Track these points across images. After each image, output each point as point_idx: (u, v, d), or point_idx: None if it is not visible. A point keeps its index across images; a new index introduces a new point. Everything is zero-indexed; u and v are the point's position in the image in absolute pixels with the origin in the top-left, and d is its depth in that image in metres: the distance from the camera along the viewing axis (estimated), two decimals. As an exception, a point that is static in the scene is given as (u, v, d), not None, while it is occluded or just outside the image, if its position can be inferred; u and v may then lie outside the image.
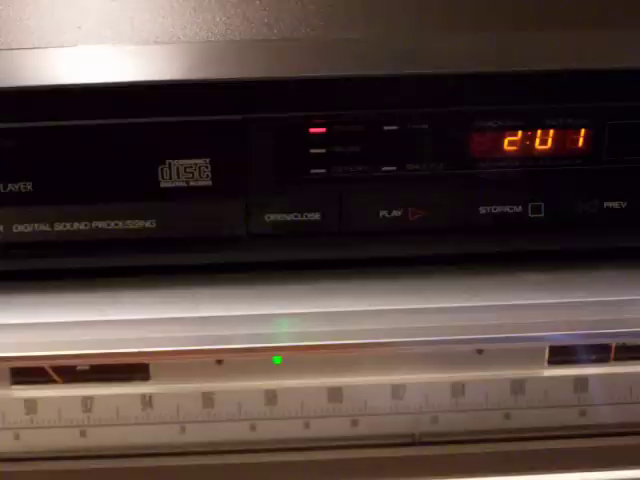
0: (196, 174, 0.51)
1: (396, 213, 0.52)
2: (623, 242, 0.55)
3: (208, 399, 0.53)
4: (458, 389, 0.53)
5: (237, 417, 0.53)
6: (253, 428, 0.53)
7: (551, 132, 0.51)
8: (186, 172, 0.51)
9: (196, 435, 0.53)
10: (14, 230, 0.51)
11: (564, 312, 0.53)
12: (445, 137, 0.51)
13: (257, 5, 0.59)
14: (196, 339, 0.51)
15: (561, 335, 0.52)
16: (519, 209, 0.53)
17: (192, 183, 0.51)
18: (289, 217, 0.52)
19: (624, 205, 0.53)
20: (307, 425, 0.53)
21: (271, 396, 0.53)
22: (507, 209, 0.53)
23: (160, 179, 0.51)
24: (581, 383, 0.53)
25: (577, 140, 0.52)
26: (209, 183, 0.51)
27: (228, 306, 0.52)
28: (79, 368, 0.52)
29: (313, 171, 0.51)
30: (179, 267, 0.54)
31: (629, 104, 0.52)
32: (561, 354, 0.52)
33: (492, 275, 0.55)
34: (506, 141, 0.51)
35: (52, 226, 0.51)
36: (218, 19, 0.57)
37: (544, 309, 0.53)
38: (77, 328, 0.51)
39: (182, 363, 0.52)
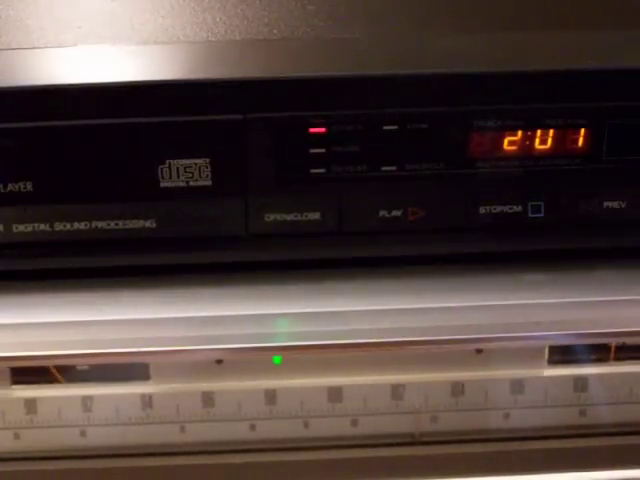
0: (196, 174, 0.51)
1: (396, 213, 0.52)
2: (623, 242, 0.55)
3: (208, 399, 0.53)
4: (458, 389, 0.53)
5: (237, 417, 0.53)
6: (253, 428, 0.53)
7: (551, 132, 0.51)
8: (186, 172, 0.51)
9: (196, 435, 0.53)
10: (14, 230, 0.51)
11: (564, 312, 0.53)
12: (445, 137, 0.51)
13: (257, 5, 0.59)
14: (196, 339, 0.51)
15: (561, 335, 0.52)
16: (519, 209, 0.53)
17: (192, 183, 0.51)
18: (289, 217, 0.52)
19: (624, 205, 0.53)
20: (307, 425, 0.53)
21: (271, 396, 0.53)
22: (507, 209, 0.53)
23: (160, 179, 0.51)
24: (581, 383, 0.53)
25: (577, 140, 0.52)
26: (209, 183, 0.51)
27: (228, 306, 0.52)
28: (79, 368, 0.52)
29: (313, 171, 0.51)
30: (179, 267, 0.54)
31: (629, 104, 0.51)
32: (561, 354, 0.53)
33: (492, 275, 0.55)
34: (506, 141, 0.51)
35: (52, 226, 0.51)
36: (218, 19, 0.57)
37: (544, 309, 0.53)
38: (77, 328, 0.51)
39: (182, 363, 0.52)
